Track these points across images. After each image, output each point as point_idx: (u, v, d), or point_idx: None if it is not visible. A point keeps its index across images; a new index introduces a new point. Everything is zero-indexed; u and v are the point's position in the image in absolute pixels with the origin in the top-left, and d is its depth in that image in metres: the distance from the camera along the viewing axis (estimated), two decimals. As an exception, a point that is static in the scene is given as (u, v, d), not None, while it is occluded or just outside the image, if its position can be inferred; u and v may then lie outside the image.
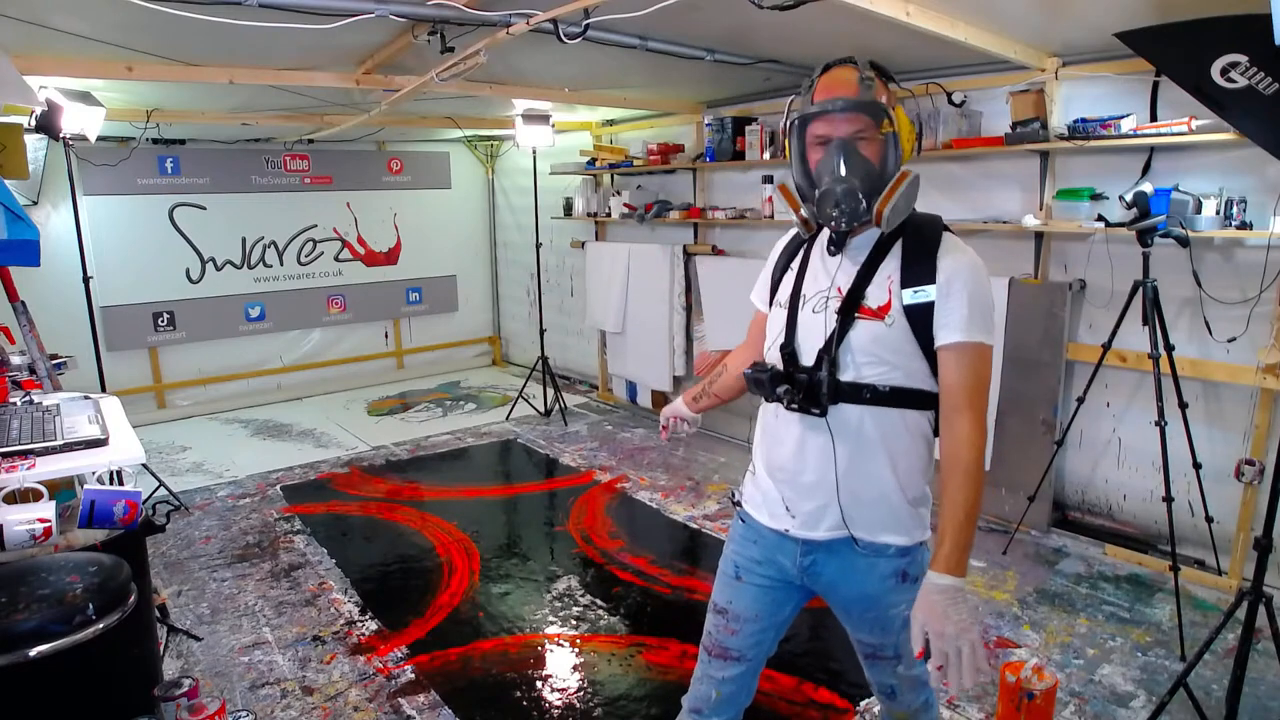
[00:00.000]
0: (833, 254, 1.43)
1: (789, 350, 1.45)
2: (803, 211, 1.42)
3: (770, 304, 1.57)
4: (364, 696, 2.52)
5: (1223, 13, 1.91)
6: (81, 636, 1.53)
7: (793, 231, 1.58)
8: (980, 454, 1.33)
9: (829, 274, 1.44)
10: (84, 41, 2.80)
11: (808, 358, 1.42)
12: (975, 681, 1.24)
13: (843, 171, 1.33)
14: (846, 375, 1.38)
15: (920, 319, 1.35)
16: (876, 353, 1.37)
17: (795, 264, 1.52)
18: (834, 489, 1.41)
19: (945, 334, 1.34)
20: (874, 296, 1.38)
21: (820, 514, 1.44)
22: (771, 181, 4.51)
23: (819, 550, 1.47)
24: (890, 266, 1.39)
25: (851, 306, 1.38)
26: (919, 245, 1.38)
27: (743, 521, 1.59)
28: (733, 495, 1.65)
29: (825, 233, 1.46)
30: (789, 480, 1.47)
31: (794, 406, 1.41)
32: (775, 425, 1.50)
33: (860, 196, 1.33)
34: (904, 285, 1.36)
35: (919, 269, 1.36)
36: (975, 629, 1.27)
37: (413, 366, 7.34)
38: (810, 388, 1.39)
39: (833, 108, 1.35)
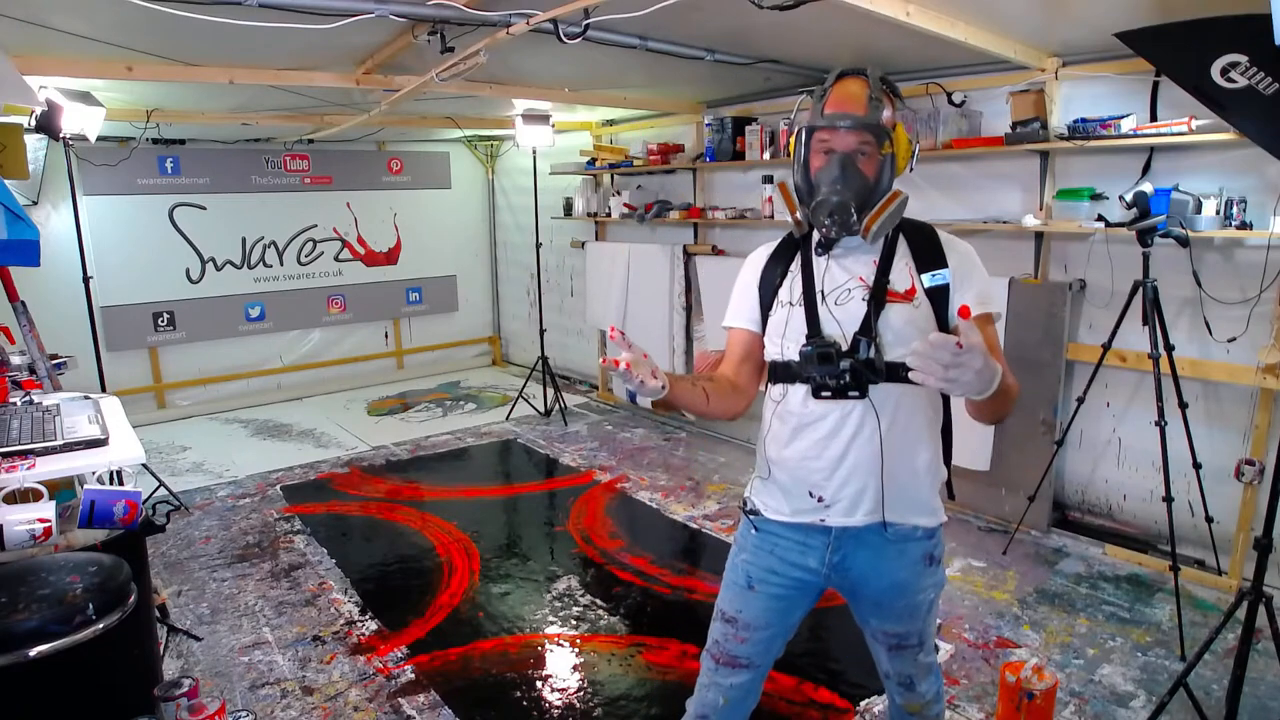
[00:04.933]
0: (819, 254, 1.51)
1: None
2: (799, 214, 1.50)
3: (771, 306, 1.55)
4: (364, 696, 2.52)
5: (1223, 13, 1.91)
6: (81, 636, 1.53)
7: (767, 249, 1.61)
8: (1014, 390, 1.37)
9: (845, 269, 1.49)
10: (84, 41, 2.80)
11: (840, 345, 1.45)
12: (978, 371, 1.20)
13: (840, 184, 1.41)
14: (887, 356, 1.43)
15: (939, 299, 1.46)
16: (908, 333, 1.42)
17: (795, 266, 1.55)
18: (878, 470, 1.44)
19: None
20: (898, 281, 1.47)
21: (859, 497, 1.46)
22: (771, 181, 4.51)
23: (849, 542, 1.49)
24: (903, 256, 1.49)
25: (881, 292, 1.45)
26: (923, 240, 1.51)
27: (755, 530, 1.57)
28: (744, 504, 1.62)
29: (815, 234, 1.53)
30: (824, 466, 1.46)
31: (844, 384, 1.42)
32: (804, 413, 1.47)
33: (852, 210, 1.41)
34: (921, 271, 1.47)
35: (930, 256, 1.48)
36: (993, 367, 1.24)
37: (413, 366, 7.33)
38: (855, 370, 1.42)
39: (841, 124, 1.43)
